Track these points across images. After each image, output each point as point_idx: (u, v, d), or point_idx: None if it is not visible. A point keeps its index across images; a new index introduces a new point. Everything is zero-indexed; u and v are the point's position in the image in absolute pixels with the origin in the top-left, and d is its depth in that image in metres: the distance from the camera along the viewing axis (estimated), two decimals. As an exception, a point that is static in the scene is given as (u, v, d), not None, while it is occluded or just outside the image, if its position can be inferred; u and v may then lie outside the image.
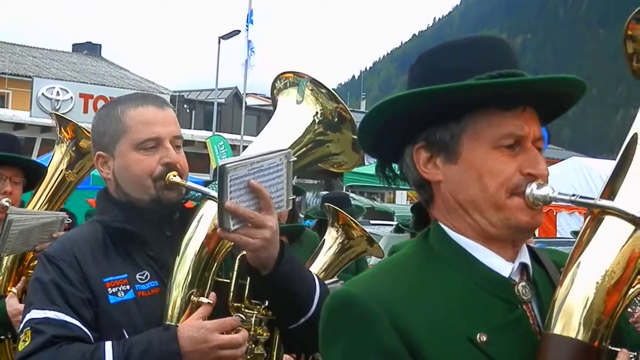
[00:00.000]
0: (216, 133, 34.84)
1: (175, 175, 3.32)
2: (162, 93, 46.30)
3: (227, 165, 2.89)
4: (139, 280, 3.25)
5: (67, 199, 5.48)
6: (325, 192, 17.30)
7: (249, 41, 36.52)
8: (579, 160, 25.77)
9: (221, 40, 40.05)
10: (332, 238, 5.86)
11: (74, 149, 5.25)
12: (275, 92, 3.69)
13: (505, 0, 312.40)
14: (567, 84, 2.23)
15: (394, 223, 18.14)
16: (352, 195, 34.02)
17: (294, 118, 3.56)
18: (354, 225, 5.90)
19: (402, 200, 43.08)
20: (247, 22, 37.19)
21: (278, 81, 3.68)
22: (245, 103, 40.93)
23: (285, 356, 4.50)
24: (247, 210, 2.97)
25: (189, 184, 3.37)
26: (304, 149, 3.53)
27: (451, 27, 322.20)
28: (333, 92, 3.53)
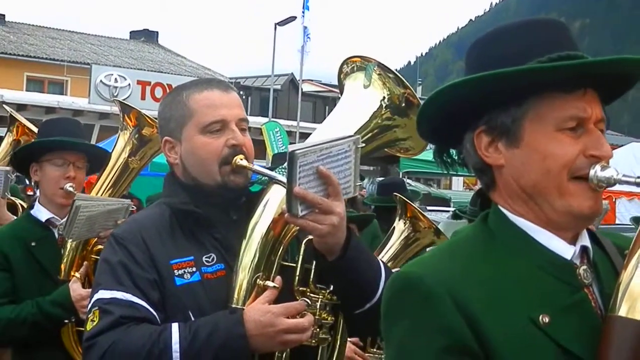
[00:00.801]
0: (272, 119, 34.92)
1: (242, 159, 3.33)
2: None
3: (297, 152, 2.90)
4: (205, 263, 3.28)
5: (130, 185, 5.53)
6: (381, 178, 17.27)
7: (305, 27, 36.56)
8: (639, 145, 25.43)
9: (277, 26, 40.12)
10: (399, 230, 5.87)
11: (136, 136, 5.30)
12: (342, 76, 3.68)
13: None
14: (627, 65, 2.21)
15: (451, 209, 18.08)
16: (408, 181, 33.93)
17: (361, 102, 3.55)
18: (421, 217, 5.90)
19: (458, 187, 42.87)
20: (303, 8, 37.22)
21: (345, 65, 3.67)
22: (302, 89, 41.00)
23: (350, 342, 4.52)
24: (316, 196, 2.97)
25: (256, 167, 3.38)
26: (370, 134, 3.52)
27: (507, 12, 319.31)
28: (401, 77, 3.52)
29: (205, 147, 3.34)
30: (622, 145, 26.01)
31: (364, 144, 3.21)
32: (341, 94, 3.66)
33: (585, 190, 2.15)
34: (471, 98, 2.21)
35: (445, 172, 2.50)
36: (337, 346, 3.50)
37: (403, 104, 3.54)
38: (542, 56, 2.14)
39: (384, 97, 3.53)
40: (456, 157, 2.42)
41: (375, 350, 5.48)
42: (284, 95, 55.18)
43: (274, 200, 3.32)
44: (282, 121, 35.65)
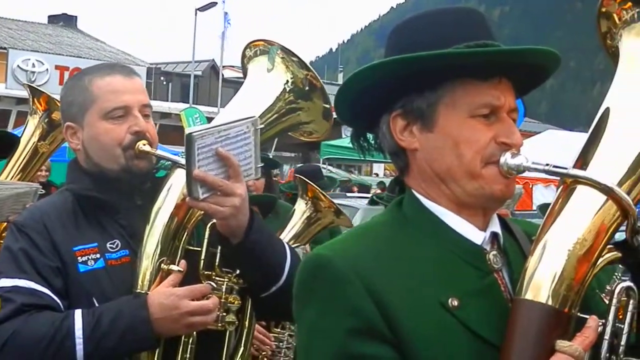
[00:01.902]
0: (193, 105, 34.75)
1: (145, 144, 3.30)
2: (139, 65, 46.08)
3: (194, 134, 2.89)
4: (110, 249, 3.26)
5: (39, 169, 5.45)
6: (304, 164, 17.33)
7: (226, 13, 36.54)
8: (556, 133, 25.86)
9: (197, 12, 39.91)
10: (300, 210, 5.93)
11: (46, 120, 5.23)
12: (245, 60, 3.68)
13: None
14: (542, 56, 2.26)
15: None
16: (329, 167, 34.10)
17: (264, 86, 3.55)
18: (322, 197, 5.96)
19: (379, 173, 43.18)
20: (223, -6, 37.07)
21: (248, 49, 3.67)
22: (222, 75, 40.88)
23: (257, 325, 4.53)
24: (216, 178, 2.97)
25: (159, 152, 3.36)
26: (274, 117, 3.52)
27: (429, 0, 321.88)
28: (303, 60, 3.53)
29: (108, 133, 3.31)
30: (539, 133, 26.43)
31: (262, 125, 3.22)
32: (245, 78, 3.66)
33: (497, 175, 2.19)
34: (387, 81, 2.23)
35: (363, 156, 2.51)
36: (245, 330, 3.51)
37: (306, 88, 3.55)
38: (459, 43, 2.17)
39: (287, 81, 3.54)
40: (373, 142, 2.43)
41: (279, 330, 5.54)
42: (205, 81, 54.92)
43: (177, 184, 3.30)
44: (203, 107, 35.51)
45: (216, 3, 38.52)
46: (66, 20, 57.23)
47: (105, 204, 3.32)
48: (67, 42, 51.69)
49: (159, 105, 43.85)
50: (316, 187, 5.99)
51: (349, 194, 22.35)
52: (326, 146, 28.37)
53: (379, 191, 23.40)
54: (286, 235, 5.69)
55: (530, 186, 19.99)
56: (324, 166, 30.58)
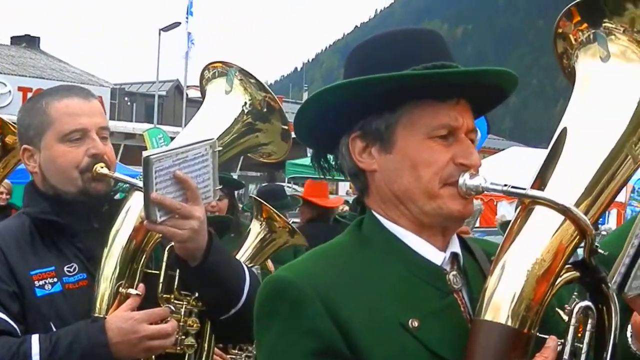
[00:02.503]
0: (157, 126, 34.66)
1: (102, 167, 3.28)
2: (103, 85, 45.99)
3: (152, 157, 2.88)
4: (67, 273, 3.23)
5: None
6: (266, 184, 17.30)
7: (189, 33, 36.47)
8: (519, 150, 26.03)
9: (161, 32, 39.88)
10: (255, 231, 5.95)
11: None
12: (204, 81, 3.68)
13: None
14: (499, 76, 2.27)
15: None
16: (294, 187, 34.04)
17: (222, 108, 3.56)
18: (276, 217, 5.98)
19: (344, 192, 43.20)
20: (187, 14, 37.12)
21: (207, 71, 3.67)
22: (187, 95, 40.83)
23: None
24: (174, 201, 2.95)
25: (117, 175, 3.34)
26: (232, 139, 3.53)
27: (392, 19, 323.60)
28: (261, 82, 3.53)
29: (65, 156, 3.28)
30: (503, 149, 26.62)
31: (220, 148, 3.22)
32: (203, 100, 3.66)
33: (455, 196, 2.20)
34: (346, 103, 2.23)
35: (323, 177, 2.51)
36: (205, 353, 3.48)
37: (264, 109, 3.56)
38: (417, 65, 2.18)
39: (246, 103, 3.54)
40: (333, 162, 2.43)
41: (236, 352, 5.53)
42: (170, 101, 54.82)
43: (135, 207, 3.28)
44: (167, 127, 35.41)
45: (180, 23, 38.53)
46: (29, 42, 56.90)
47: (63, 227, 3.29)
48: (30, 64, 51.37)
49: (123, 126, 43.69)
50: (270, 207, 6.01)
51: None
52: (291, 165, 28.38)
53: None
54: (242, 256, 5.69)
55: (495, 203, 20.11)
56: (289, 185, 30.59)
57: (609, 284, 1.98)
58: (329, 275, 2.17)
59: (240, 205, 11.24)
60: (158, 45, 40.33)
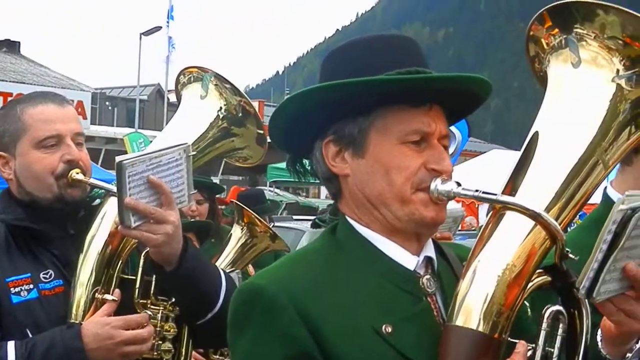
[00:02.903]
0: (138, 130, 34.58)
1: (78, 173, 3.27)
2: (84, 90, 45.84)
3: (125, 162, 2.87)
4: (43, 279, 3.22)
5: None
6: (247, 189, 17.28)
7: (170, 37, 36.40)
8: (500, 153, 26.10)
9: (142, 36, 39.81)
10: (236, 236, 5.95)
11: None
12: (179, 86, 3.69)
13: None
14: (472, 83, 2.29)
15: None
16: (276, 190, 34.05)
17: (198, 113, 3.57)
18: (258, 222, 5.98)
19: (324, 197, 43.24)
20: (167, 18, 37.05)
21: (182, 76, 3.68)
22: (168, 99, 40.78)
23: (195, 353, 4.50)
24: (148, 206, 2.95)
25: (92, 180, 3.33)
26: (208, 144, 3.54)
27: (374, 22, 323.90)
28: (236, 87, 3.54)
29: (40, 162, 3.27)
30: (485, 152, 26.70)
31: (194, 152, 3.22)
32: (179, 105, 3.66)
33: (427, 201, 2.20)
34: (320, 107, 2.24)
35: (299, 180, 2.52)
36: (182, 358, 3.48)
37: (240, 114, 3.57)
38: (391, 70, 2.20)
39: (221, 107, 3.56)
40: (309, 167, 2.44)
41: (217, 357, 5.50)
42: (151, 105, 54.72)
43: (111, 213, 3.28)
44: (149, 132, 35.31)
45: (160, 27, 38.48)
46: (9, 46, 56.56)
47: (38, 233, 3.28)
48: (11, 68, 51.10)
49: (104, 131, 43.62)
50: (252, 212, 6.01)
51: (295, 217, 22.34)
52: (273, 169, 28.37)
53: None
54: (222, 261, 5.69)
55: (477, 206, 20.14)
56: (271, 189, 30.57)
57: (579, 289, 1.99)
58: (302, 281, 2.17)
59: (222, 209, 11.23)
60: (139, 49, 40.30)
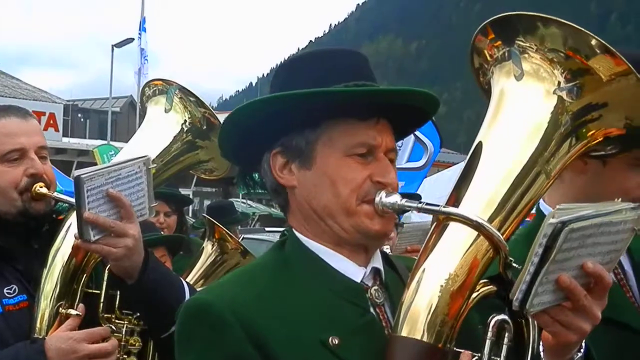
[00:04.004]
0: (111, 142, 34.43)
1: (42, 187, 3.26)
2: (56, 102, 45.58)
3: (83, 176, 2.88)
4: (7, 295, 3.21)
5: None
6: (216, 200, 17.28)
7: (142, 49, 36.28)
8: (471, 163, 26.09)
9: (114, 48, 39.71)
10: (207, 252, 5.91)
11: None
12: (144, 99, 3.69)
13: (399, 7, 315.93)
14: (416, 97, 2.32)
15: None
16: (248, 202, 34.03)
17: (162, 126, 3.57)
18: (229, 238, 5.96)
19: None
20: (139, 30, 36.96)
21: (147, 88, 3.69)
22: (141, 111, 40.63)
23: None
24: (107, 219, 2.96)
25: (56, 194, 3.32)
26: (172, 156, 3.56)
27: (347, 34, 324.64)
28: (201, 99, 3.55)
29: (3, 176, 3.26)
30: (457, 163, 26.78)
31: (155, 165, 3.23)
32: (143, 117, 3.66)
33: (372, 213, 2.23)
34: (267, 119, 2.26)
35: (247, 192, 2.52)
36: (148, 372, 3.47)
37: (204, 127, 3.59)
38: (339, 83, 2.22)
39: (185, 121, 3.58)
40: (259, 179, 2.46)
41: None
42: (124, 117, 54.55)
43: (75, 226, 3.24)
44: (121, 144, 35.09)
45: (132, 39, 38.41)
46: (-20, 59, 56.35)
47: (2, 249, 3.27)
48: (-18, 81, 50.85)
49: (76, 143, 43.38)
50: (223, 228, 5.98)
51: (267, 229, 22.34)
52: (246, 180, 28.26)
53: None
54: (193, 277, 5.66)
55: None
56: (243, 201, 30.53)
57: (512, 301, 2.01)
58: (249, 297, 2.18)
59: (193, 221, 11.20)
60: (111, 61, 40.19)
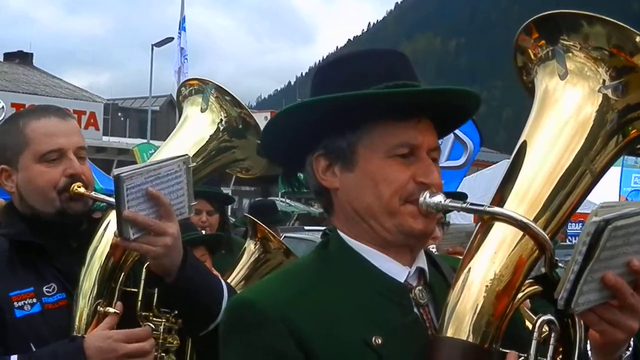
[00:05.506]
0: (150, 141, 34.63)
1: (80, 187, 3.28)
2: (96, 101, 45.96)
3: (122, 175, 2.89)
4: (46, 293, 3.23)
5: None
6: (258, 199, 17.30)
7: (182, 48, 36.42)
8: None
9: (154, 47, 39.92)
10: (249, 251, 5.88)
11: None
12: (181, 99, 3.71)
13: (438, 6, 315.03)
14: (458, 96, 2.30)
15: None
16: (287, 201, 34.08)
17: (198, 126, 3.58)
18: (271, 238, 5.92)
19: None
20: (179, 29, 37.10)
21: (184, 88, 3.70)
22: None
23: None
24: (146, 218, 2.97)
25: (94, 194, 3.34)
26: (208, 157, 3.56)
27: (385, 32, 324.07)
28: (237, 98, 3.56)
29: (42, 176, 3.29)
30: (497, 162, 26.66)
31: (194, 164, 3.23)
32: (180, 117, 3.68)
33: (416, 213, 2.22)
34: (310, 122, 2.26)
35: (287, 192, 2.54)
36: (186, 370, 3.48)
37: (240, 126, 3.59)
38: (379, 84, 2.21)
39: (221, 120, 3.58)
40: (303, 180, 2.45)
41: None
42: (163, 116, 54.85)
43: (113, 225, 3.26)
44: (161, 143, 35.26)
45: (172, 39, 38.56)
46: (22, 58, 56.84)
47: (41, 248, 3.29)
48: (24, 80, 51.31)
49: (116, 142, 43.70)
50: (265, 227, 5.96)
51: (307, 227, 22.38)
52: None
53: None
54: (235, 277, 5.66)
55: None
56: (282, 200, 30.59)
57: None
58: (292, 295, 2.19)
59: (233, 220, 11.23)
60: (151, 60, 40.42)
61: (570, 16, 2.25)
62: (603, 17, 2.21)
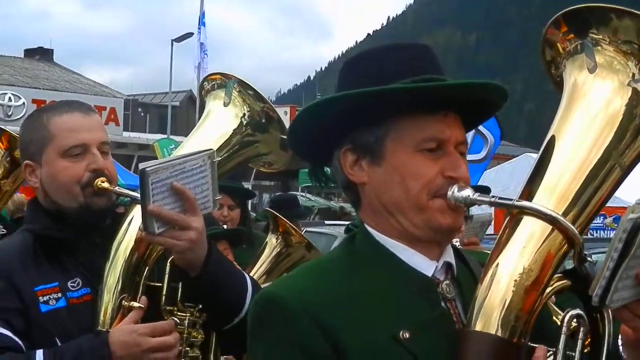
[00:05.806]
0: (171, 136, 34.73)
1: (103, 182, 3.29)
2: (116, 97, 46.15)
3: (148, 169, 2.89)
4: (71, 288, 3.24)
5: (3, 207, 5.40)
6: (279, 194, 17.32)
7: (202, 44, 36.51)
8: (533, 156, 25.99)
9: (174, 43, 40.02)
10: (271, 245, 5.87)
11: (8, 159, 5.18)
12: (203, 93, 3.71)
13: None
14: (486, 90, 2.29)
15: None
16: (307, 195, 34.09)
17: (221, 120, 3.58)
18: (293, 232, 5.91)
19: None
20: (199, 24, 37.19)
21: (206, 83, 3.70)
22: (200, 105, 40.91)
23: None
24: (171, 212, 2.97)
25: (118, 189, 3.34)
26: (232, 151, 3.56)
27: (405, 26, 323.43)
28: (259, 92, 3.56)
29: (66, 171, 3.29)
30: (517, 156, 26.60)
31: (219, 158, 3.23)
32: (202, 111, 3.68)
33: (444, 208, 2.21)
34: (337, 116, 2.26)
35: (321, 187, 2.54)
36: (210, 364, 3.49)
37: (263, 120, 3.59)
38: (406, 78, 2.20)
39: (244, 114, 3.58)
40: (330, 174, 2.45)
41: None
42: (183, 111, 54.99)
43: (137, 220, 3.29)
44: (181, 138, 35.43)
45: (192, 34, 38.66)
46: (42, 54, 57.13)
47: (65, 243, 3.30)
48: (44, 76, 51.58)
49: (137, 137, 43.86)
50: (287, 221, 5.95)
51: (327, 222, 22.38)
52: (304, 174, 28.40)
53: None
54: (257, 271, 5.66)
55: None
56: (302, 194, 30.60)
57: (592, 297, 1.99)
58: (319, 290, 2.19)
59: (253, 215, 11.24)
60: (170, 55, 40.50)
61: (599, 10, 2.24)
62: (632, 10, 2.19)
